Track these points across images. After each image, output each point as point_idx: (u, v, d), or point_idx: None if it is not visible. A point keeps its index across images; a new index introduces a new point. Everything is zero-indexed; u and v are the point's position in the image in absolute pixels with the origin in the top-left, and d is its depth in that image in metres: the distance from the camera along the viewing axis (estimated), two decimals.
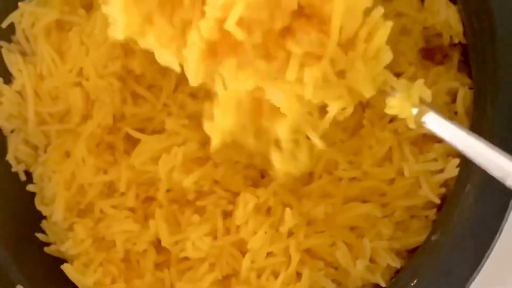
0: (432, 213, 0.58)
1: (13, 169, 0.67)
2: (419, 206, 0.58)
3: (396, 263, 0.57)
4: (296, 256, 0.55)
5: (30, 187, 0.66)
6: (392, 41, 0.58)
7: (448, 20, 0.59)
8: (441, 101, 0.59)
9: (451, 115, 0.59)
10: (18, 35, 0.67)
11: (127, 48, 0.63)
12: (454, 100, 0.59)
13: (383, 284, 0.57)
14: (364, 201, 0.58)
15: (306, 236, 0.56)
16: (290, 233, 0.57)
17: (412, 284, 0.51)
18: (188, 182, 0.58)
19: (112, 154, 0.64)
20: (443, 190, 0.58)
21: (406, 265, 0.57)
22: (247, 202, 0.57)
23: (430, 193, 0.57)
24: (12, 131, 0.67)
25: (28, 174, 0.67)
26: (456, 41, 0.60)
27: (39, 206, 0.66)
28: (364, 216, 0.57)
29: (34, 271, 0.62)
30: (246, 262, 0.57)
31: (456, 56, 0.61)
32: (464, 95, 0.59)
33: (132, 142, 0.64)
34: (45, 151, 0.66)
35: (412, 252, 0.58)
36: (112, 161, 0.63)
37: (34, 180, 0.67)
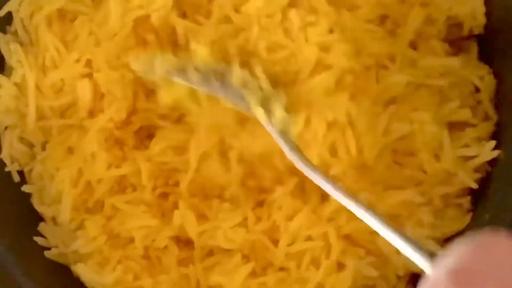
0: (466, 201, 0.57)
1: (7, 169, 0.61)
2: (454, 194, 0.57)
3: (439, 251, 0.55)
4: (337, 243, 0.53)
5: (26, 188, 0.61)
6: (417, 31, 0.59)
7: (473, 11, 0.59)
8: (466, 90, 0.59)
9: (475, 104, 0.59)
10: (16, 25, 0.62)
11: (139, 38, 0.60)
12: (478, 90, 0.59)
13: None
14: None
15: (346, 221, 0.54)
16: (330, 219, 0.54)
17: None
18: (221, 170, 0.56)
19: (121, 149, 0.60)
20: (478, 175, 0.57)
21: None
22: (284, 185, 0.55)
23: (467, 179, 0.56)
24: (6, 128, 0.62)
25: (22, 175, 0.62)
26: (476, 32, 0.61)
27: (38, 207, 0.60)
28: (404, 204, 0.55)
29: (39, 274, 0.58)
30: (282, 244, 0.54)
31: (475, 46, 0.61)
32: (488, 84, 0.59)
33: (141, 139, 0.60)
34: (42, 149, 0.61)
35: (448, 241, 0.56)
36: (121, 157, 0.59)
37: (32, 179, 0.61)
